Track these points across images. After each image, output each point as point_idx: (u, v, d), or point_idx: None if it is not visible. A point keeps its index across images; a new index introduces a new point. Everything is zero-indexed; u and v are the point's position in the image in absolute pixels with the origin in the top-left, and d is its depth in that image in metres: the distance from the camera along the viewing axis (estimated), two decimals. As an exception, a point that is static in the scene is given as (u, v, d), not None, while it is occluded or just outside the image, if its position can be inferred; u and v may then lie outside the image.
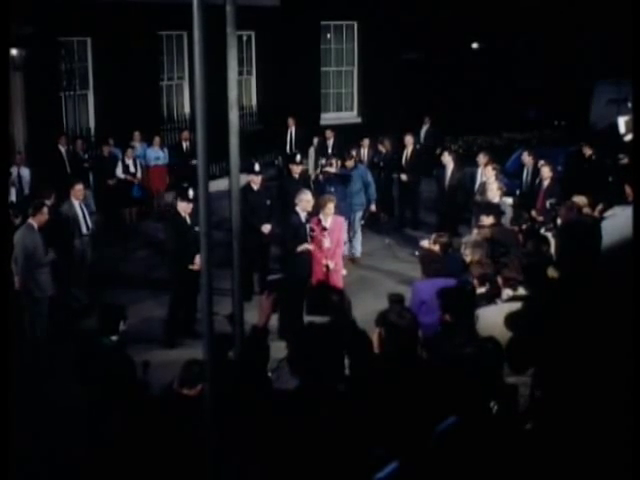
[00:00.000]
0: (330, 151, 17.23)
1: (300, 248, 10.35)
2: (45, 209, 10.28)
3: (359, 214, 14.00)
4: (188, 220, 10.33)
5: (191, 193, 10.22)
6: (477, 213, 11.41)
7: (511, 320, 5.68)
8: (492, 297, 6.49)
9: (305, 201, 10.57)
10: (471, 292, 6.66)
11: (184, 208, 10.39)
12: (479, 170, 14.13)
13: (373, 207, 14.82)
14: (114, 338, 7.10)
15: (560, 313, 5.43)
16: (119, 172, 16.66)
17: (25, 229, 9.99)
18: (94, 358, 7.13)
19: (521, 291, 6.25)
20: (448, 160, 14.76)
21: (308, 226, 10.44)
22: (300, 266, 10.43)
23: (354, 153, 15.32)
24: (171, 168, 17.70)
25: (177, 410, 5.70)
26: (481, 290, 6.77)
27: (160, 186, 17.73)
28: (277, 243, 12.09)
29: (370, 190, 14.41)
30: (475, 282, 6.94)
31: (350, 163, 14.58)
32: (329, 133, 18.43)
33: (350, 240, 13.60)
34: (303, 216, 10.52)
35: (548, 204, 10.72)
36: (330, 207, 10.56)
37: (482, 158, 14.07)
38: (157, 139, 17.80)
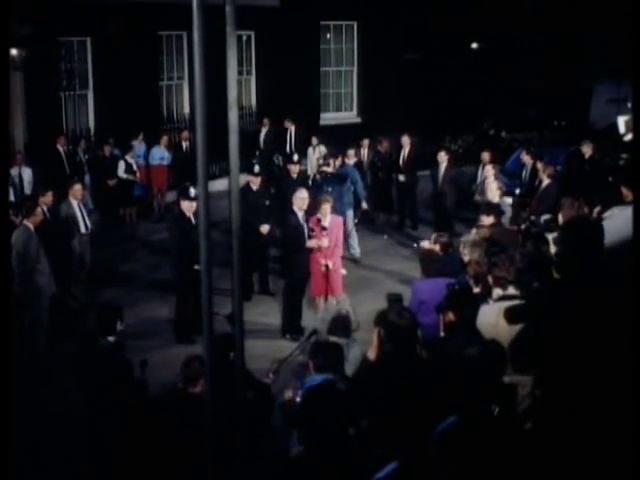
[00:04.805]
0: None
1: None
2: (39, 209, 10.27)
3: (350, 213, 13.84)
4: (192, 219, 10.19)
5: (192, 191, 10.14)
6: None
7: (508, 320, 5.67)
8: (484, 297, 6.48)
9: (299, 199, 10.48)
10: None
11: (187, 207, 10.30)
12: (480, 170, 14.16)
13: (365, 205, 14.76)
14: (111, 338, 7.09)
15: (560, 314, 5.42)
16: (121, 172, 16.66)
17: (21, 230, 9.99)
18: (92, 358, 7.13)
19: (511, 290, 6.24)
20: (443, 158, 14.82)
21: (306, 226, 10.39)
22: (299, 266, 10.42)
23: (351, 152, 15.32)
24: (172, 168, 17.72)
25: (184, 409, 5.69)
26: (476, 290, 6.77)
27: (162, 186, 17.75)
28: (276, 243, 12.07)
29: (358, 188, 14.37)
30: (471, 282, 6.94)
31: (347, 160, 14.64)
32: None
33: (345, 240, 13.54)
34: (300, 215, 10.47)
35: (542, 220, 10.59)
36: (325, 208, 10.35)
37: (486, 157, 14.12)
38: (164, 139, 17.82)
